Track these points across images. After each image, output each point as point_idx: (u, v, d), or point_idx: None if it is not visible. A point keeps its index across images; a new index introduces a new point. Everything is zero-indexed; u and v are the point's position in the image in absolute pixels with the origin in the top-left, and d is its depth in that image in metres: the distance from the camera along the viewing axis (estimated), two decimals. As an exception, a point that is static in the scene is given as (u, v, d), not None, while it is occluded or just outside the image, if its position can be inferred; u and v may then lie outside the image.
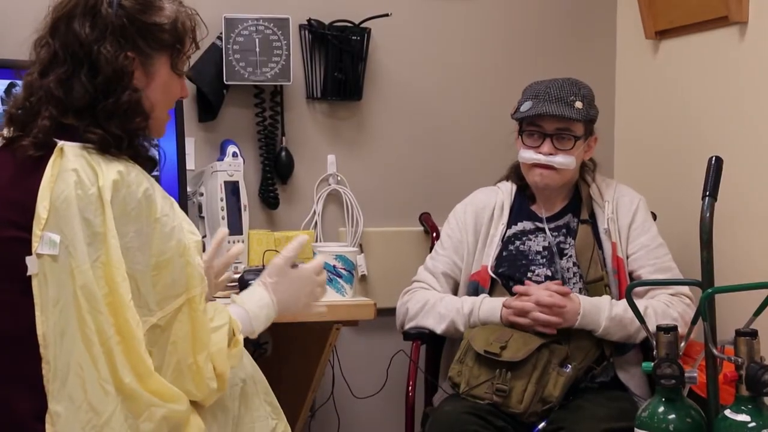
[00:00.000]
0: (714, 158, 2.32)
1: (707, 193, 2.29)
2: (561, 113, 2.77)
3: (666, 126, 3.27)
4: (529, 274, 2.81)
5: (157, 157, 2.03)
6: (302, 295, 2.21)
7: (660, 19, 3.24)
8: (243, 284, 2.61)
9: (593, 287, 2.78)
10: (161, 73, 2.00)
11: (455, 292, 2.90)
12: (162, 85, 2.01)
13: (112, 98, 1.92)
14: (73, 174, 1.86)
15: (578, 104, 2.78)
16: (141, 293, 1.88)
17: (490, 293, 2.82)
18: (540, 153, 2.80)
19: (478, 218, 2.91)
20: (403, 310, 2.89)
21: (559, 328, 2.69)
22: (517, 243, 2.85)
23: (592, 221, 2.86)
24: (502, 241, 2.86)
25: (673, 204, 3.16)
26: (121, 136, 1.92)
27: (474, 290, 2.84)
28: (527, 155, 2.82)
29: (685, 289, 2.79)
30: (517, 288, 2.74)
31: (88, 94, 1.91)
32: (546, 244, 2.84)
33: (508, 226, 2.89)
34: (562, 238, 2.84)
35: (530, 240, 2.86)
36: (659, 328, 2.24)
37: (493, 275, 2.82)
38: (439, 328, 2.82)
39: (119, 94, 1.92)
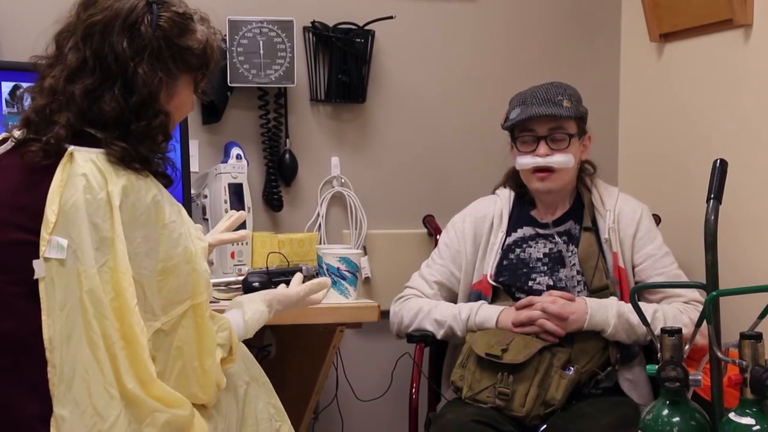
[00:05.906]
0: (719, 161, 2.31)
1: (712, 195, 2.28)
2: (551, 112, 2.76)
3: (670, 128, 3.27)
4: (531, 283, 2.80)
5: (172, 173, 2.04)
6: (295, 309, 2.32)
7: (664, 22, 3.23)
8: (247, 287, 2.62)
9: (598, 296, 2.76)
10: (182, 94, 2.01)
11: (448, 301, 2.88)
12: (179, 104, 2.02)
13: (145, 120, 1.92)
14: (83, 179, 1.86)
15: (566, 103, 2.78)
16: (147, 298, 1.89)
17: (493, 301, 2.82)
18: (537, 156, 2.79)
19: (478, 228, 2.90)
20: (398, 319, 2.89)
21: (569, 331, 2.69)
22: (518, 251, 2.84)
23: (595, 229, 2.85)
24: (501, 249, 2.86)
25: (677, 207, 3.16)
26: (147, 156, 1.93)
27: (476, 299, 2.83)
28: (525, 161, 2.81)
29: (697, 295, 2.77)
30: (520, 303, 2.73)
31: (120, 110, 1.91)
32: (546, 250, 2.83)
33: (508, 233, 2.87)
34: (564, 246, 2.83)
35: (530, 247, 2.84)
36: (664, 330, 2.23)
37: (494, 284, 2.82)
38: (438, 334, 2.82)
39: (152, 117, 1.93)
